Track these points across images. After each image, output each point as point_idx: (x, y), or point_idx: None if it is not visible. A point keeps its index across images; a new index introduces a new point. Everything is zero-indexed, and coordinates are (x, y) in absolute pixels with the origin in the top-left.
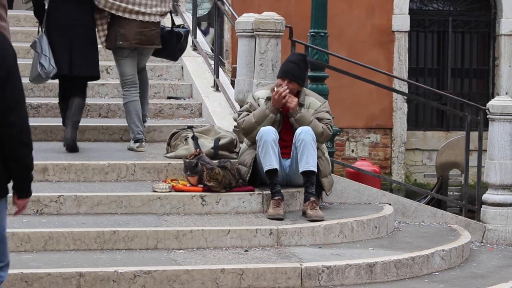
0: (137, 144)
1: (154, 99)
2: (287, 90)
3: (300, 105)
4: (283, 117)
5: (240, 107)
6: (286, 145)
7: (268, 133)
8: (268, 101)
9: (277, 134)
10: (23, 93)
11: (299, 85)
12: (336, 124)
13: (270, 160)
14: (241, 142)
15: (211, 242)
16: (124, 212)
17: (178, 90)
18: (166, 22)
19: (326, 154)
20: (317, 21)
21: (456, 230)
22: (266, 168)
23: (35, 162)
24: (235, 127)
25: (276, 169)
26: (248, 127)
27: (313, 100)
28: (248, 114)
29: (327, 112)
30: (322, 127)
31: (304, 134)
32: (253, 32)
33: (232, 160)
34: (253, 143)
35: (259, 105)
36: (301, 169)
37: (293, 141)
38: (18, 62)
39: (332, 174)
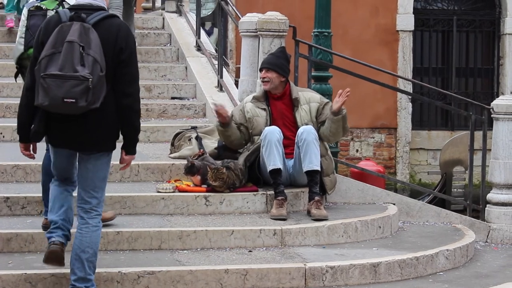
0: None
1: (158, 99)
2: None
3: (295, 100)
4: (272, 115)
5: None
6: (288, 143)
7: (273, 133)
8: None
9: (281, 134)
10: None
11: (279, 74)
12: None
13: (274, 160)
14: None
15: (215, 243)
16: (128, 212)
17: (182, 90)
18: None
19: (329, 152)
20: (321, 20)
21: (460, 229)
22: (270, 167)
23: (38, 163)
24: None
25: (280, 168)
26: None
27: (311, 94)
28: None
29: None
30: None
31: (306, 134)
32: (256, 32)
33: (235, 161)
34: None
35: (244, 107)
36: (305, 169)
37: (296, 140)
38: None
39: (336, 174)
